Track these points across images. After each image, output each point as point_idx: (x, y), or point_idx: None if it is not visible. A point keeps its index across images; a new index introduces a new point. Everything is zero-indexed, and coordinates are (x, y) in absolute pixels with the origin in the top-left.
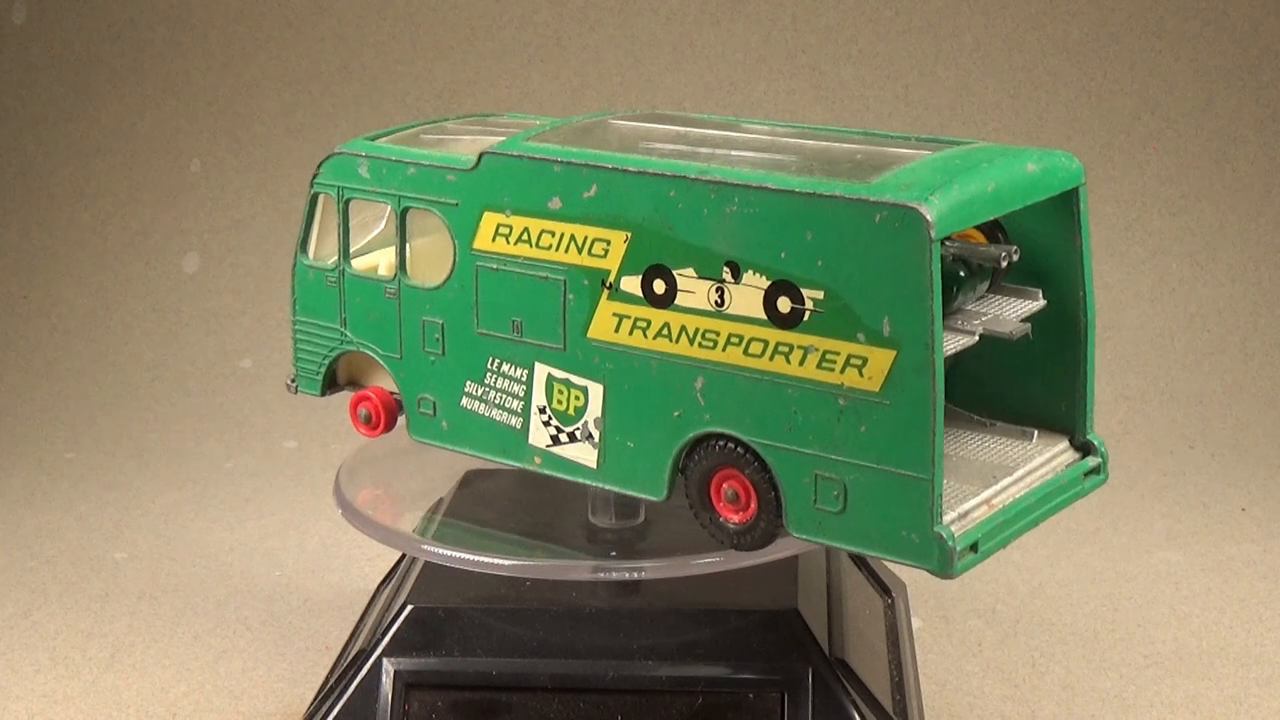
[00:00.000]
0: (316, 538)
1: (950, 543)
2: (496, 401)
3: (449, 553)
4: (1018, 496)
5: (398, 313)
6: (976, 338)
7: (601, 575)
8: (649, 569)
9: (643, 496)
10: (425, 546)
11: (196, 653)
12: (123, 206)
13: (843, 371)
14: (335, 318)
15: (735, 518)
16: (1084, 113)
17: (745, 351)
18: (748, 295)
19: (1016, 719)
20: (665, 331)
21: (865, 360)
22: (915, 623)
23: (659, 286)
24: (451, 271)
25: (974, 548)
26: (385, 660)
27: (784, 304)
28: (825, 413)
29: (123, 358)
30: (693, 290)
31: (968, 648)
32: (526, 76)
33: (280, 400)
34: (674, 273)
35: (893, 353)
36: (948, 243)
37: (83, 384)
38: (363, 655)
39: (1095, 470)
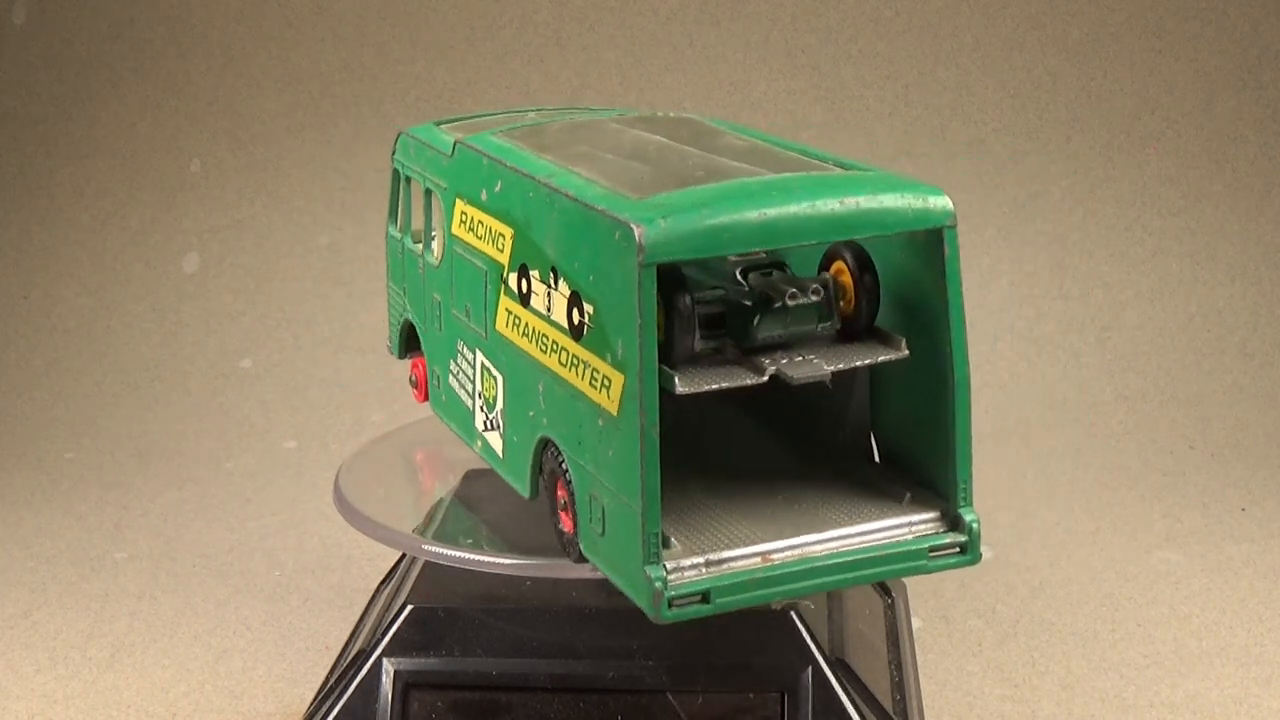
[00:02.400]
0: (316, 538)
1: (658, 585)
2: (461, 382)
3: (449, 553)
4: (812, 555)
5: (423, 286)
6: (765, 378)
7: (601, 574)
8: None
9: (519, 492)
10: (425, 546)
11: (196, 653)
12: (123, 206)
13: (600, 390)
14: (402, 285)
15: (567, 526)
16: (1084, 113)
17: (558, 360)
18: (560, 303)
19: (1016, 719)
20: (526, 331)
21: (610, 381)
22: (915, 623)
23: (523, 285)
24: (443, 252)
25: (704, 597)
26: (385, 660)
27: (575, 315)
28: (593, 431)
29: (123, 358)
30: (538, 292)
31: (968, 648)
32: (526, 76)
33: (280, 400)
34: (530, 273)
35: (623, 377)
36: (777, 273)
37: (83, 384)
38: (363, 655)
39: (956, 549)
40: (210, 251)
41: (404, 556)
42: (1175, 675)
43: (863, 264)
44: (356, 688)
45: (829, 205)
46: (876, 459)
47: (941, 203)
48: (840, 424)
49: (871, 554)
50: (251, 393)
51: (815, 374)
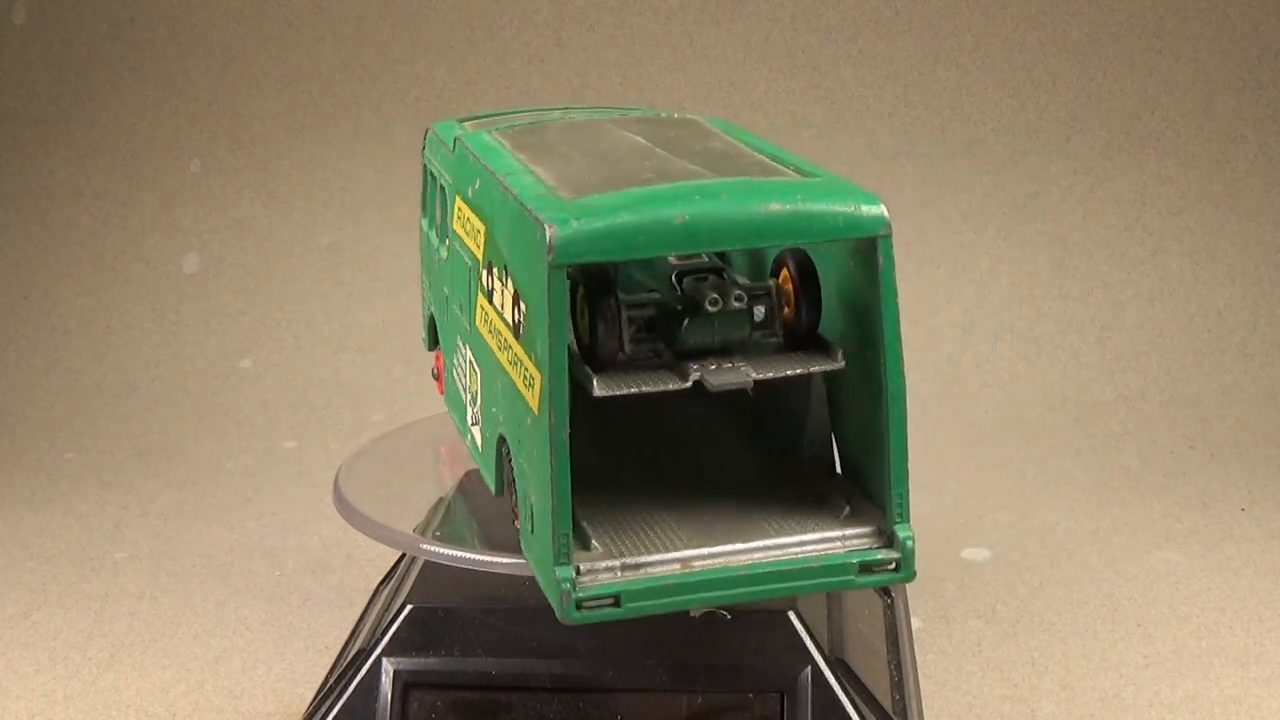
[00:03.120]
0: (316, 538)
1: (565, 585)
2: (458, 377)
3: (449, 552)
4: (733, 564)
5: (437, 279)
6: (688, 384)
7: None
8: None
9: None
10: (425, 546)
11: (196, 653)
12: (123, 206)
13: (528, 389)
14: (428, 278)
15: (518, 524)
16: (1084, 113)
17: (507, 358)
18: (508, 300)
19: (1016, 719)
20: (491, 327)
21: (534, 380)
22: (915, 623)
23: (488, 282)
24: (448, 247)
25: (616, 601)
26: (385, 660)
27: (515, 313)
28: (525, 429)
29: (123, 358)
30: (496, 289)
31: (968, 648)
32: (526, 76)
33: (280, 400)
34: (494, 270)
35: (540, 376)
36: (713, 278)
37: (83, 384)
38: (362, 655)
39: (889, 565)
40: (210, 251)
41: (404, 556)
42: (1175, 675)
43: (804, 272)
44: (356, 688)
45: (753, 210)
46: (839, 470)
47: (875, 211)
48: (801, 434)
49: (795, 566)
50: (251, 393)
51: (736, 381)
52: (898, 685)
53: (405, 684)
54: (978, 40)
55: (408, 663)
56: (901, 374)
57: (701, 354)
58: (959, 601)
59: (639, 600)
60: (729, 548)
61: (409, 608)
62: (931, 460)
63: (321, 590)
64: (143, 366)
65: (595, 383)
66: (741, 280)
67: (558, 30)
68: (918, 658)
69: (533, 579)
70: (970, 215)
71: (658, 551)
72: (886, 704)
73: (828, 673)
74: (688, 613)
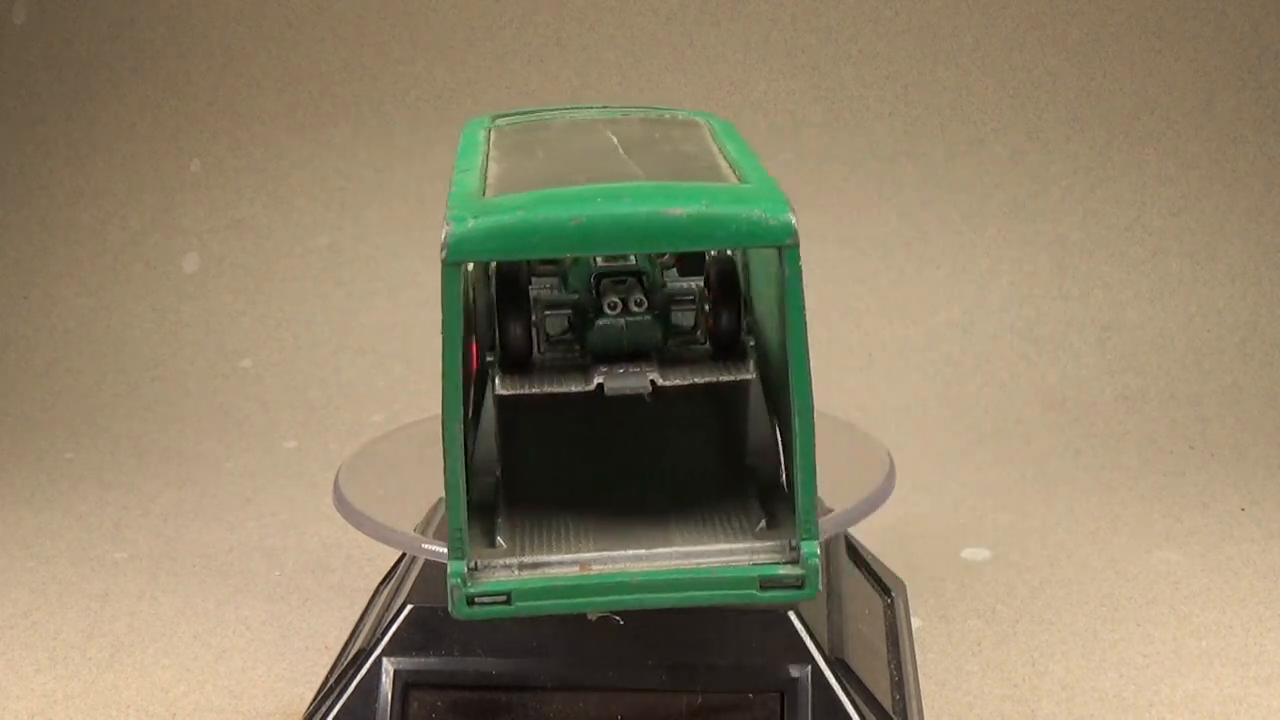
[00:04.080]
0: (316, 538)
1: (455, 580)
2: None
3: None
4: (631, 570)
5: None
6: (590, 387)
7: None
8: None
9: None
10: (425, 546)
11: (196, 653)
12: (123, 206)
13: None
14: None
15: None
16: (1084, 113)
17: None
18: None
19: (1016, 718)
20: None
21: None
22: (915, 623)
23: None
24: None
25: (508, 598)
26: (385, 660)
27: None
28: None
29: (123, 358)
30: None
31: (968, 648)
32: (526, 76)
33: (280, 400)
34: None
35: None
36: (632, 281)
37: (83, 384)
38: (362, 655)
39: (791, 583)
40: (210, 251)
41: (404, 556)
42: (1175, 675)
43: (725, 279)
44: (356, 687)
45: (652, 214)
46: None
47: (781, 220)
48: (745, 443)
49: (693, 577)
50: (251, 393)
51: (633, 387)
52: (898, 685)
53: (405, 684)
54: (978, 40)
55: (408, 663)
56: (807, 388)
57: (621, 357)
58: (959, 601)
59: (531, 600)
60: (629, 553)
61: (409, 608)
62: (931, 460)
63: (321, 590)
64: (143, 366)
65: (499, 381)
66: (675, 286)
67: (558, 30)
68: (918, 658)
69: None
70: (970, 215)
71: (561, 552)
72: (886, 704)
73: (828, 673)
74: (678, 611)
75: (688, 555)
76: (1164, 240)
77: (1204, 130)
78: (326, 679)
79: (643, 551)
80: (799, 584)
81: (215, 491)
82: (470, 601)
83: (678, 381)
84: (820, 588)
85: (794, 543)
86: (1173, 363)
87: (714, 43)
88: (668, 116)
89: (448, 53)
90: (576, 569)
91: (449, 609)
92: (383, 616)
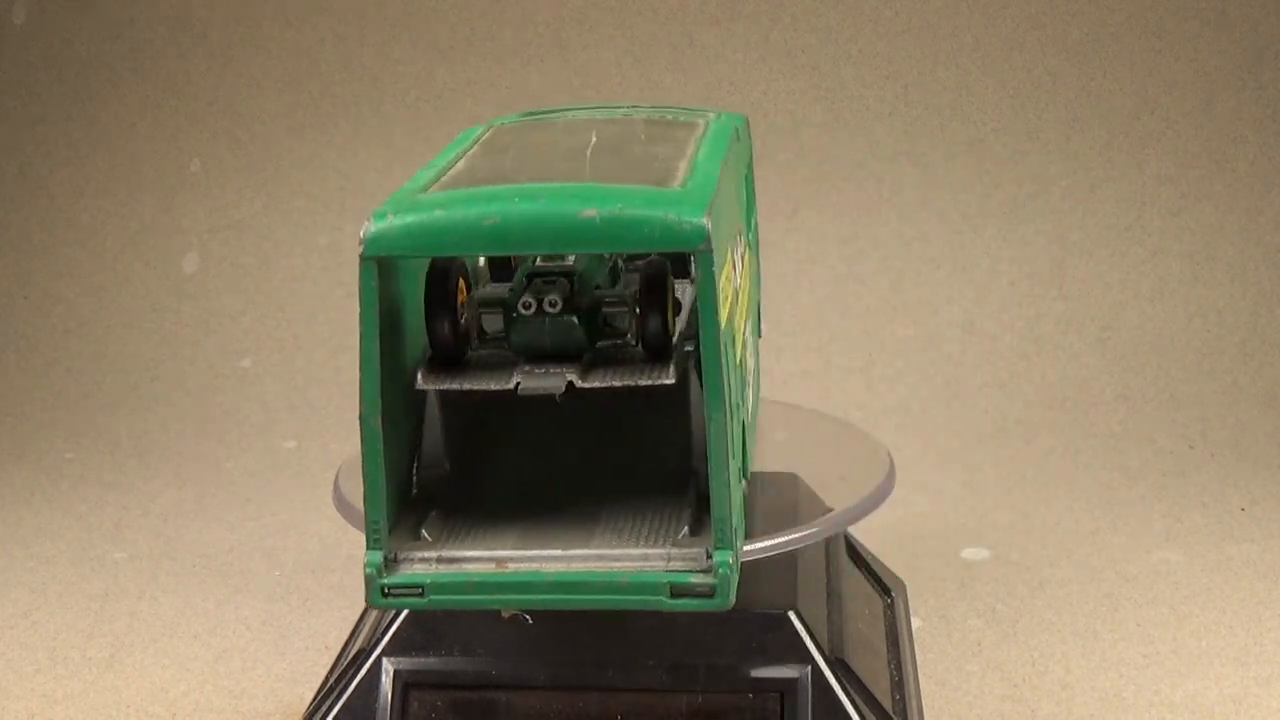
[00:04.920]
0: (316, 538)
1: (369, 571)
2: None
3: None
4: (546, 570)
5: None
6: (509, 386)
7: None
8: None
9: None
10: None
11: (196, 653)
12: (123, 206)
13: None
14: None
15: None
16: (1084, 113)
17: None
18: None
19: (1016, 718)
20: None
21: None
22: (915, 623)
23: None
24: None
25: (422, 591)
26: (385, 660)
27: None
28: None
29: (123, 358)
30: None
31: (968, 648)
32: (526, 76)
33: (280, 400)
34: None
35: None
36: (562, 282)
37: (83, 384)
38: (362, 655)
39: (704, 590)
40: (210, 251)
41: None
42: (1175, 675)
43: (652, 283)
44: (356, 687)
45: (565, 215)
46: None
47: (693, 225)
48: (688, 448)
49: (605, 580)
50: (251, 393)
51: (544, 387)
52: (898, 685)
53: (405, 684)
54: (978, 40)
55: (408, 663)
56: (720, 396)
57: (548, 357)
58: (959, 601)
59: (444, 594)
60: (546, 553)
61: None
62: (931, 460)
63: (321, 590)
64: (143, 366)
65: (419, 376)
66: (610, 290)
67: (558, 30)
68: (918, 658)
69: None
70: (970, 215)
71: (483, 548)
72: (886, 704)
73: (828, 673)
74: (678, 611)
75: (603, 558)
76: (1164, 240)
77: (1204, 130)
78: (326, 679)
79: (559, 552)
80: (710, 593)
81: (215, 491)
82: (385, 593)
83: (596, 384)
84: (732, 599)
85: (710, 551)
86: (1173, 363)
87: (714, 43)
88: (669, 118)
89: (448, 53)
90: (493, 566)
91: (366, 599)
92: (383, 616)
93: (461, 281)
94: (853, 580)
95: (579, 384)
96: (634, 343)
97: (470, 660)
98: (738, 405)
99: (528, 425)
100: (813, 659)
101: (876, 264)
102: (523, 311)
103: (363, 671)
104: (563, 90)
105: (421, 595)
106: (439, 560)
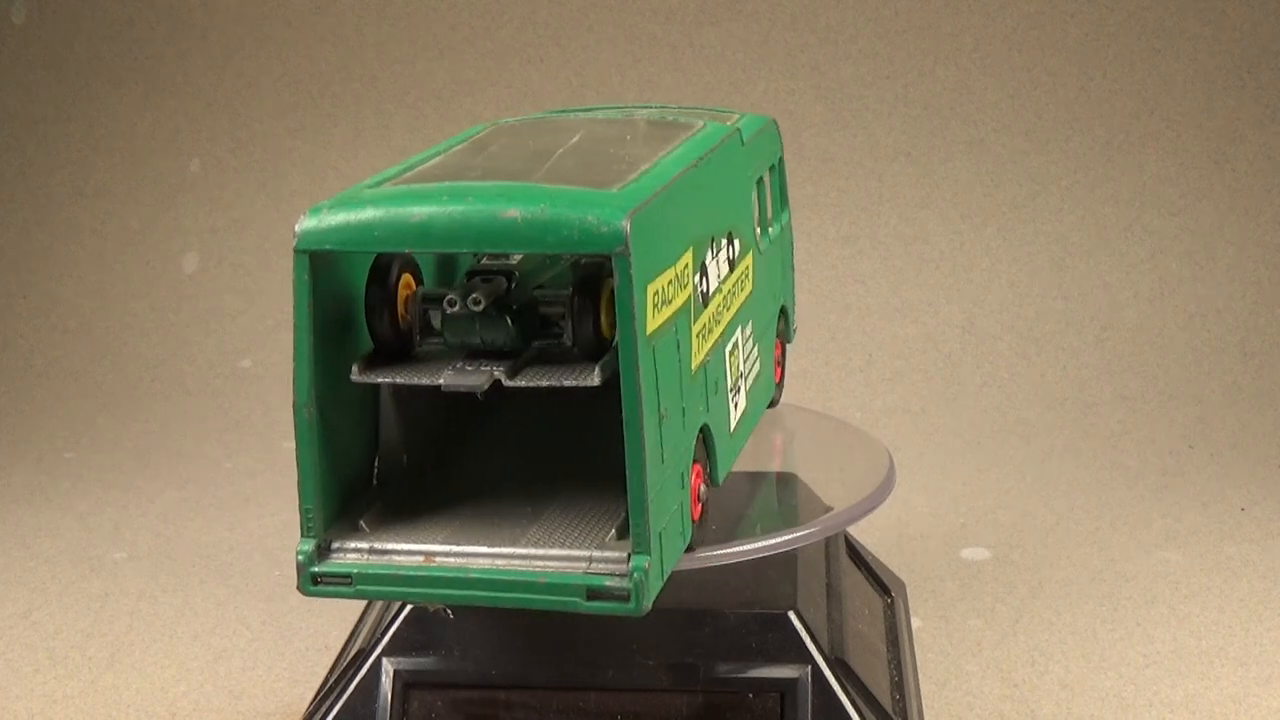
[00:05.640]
0: None
1: (300, 559)
2: None
3: None
4: (471, 566)
5: None
6: (438, 382)
7: None
8: None
9: None
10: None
11: (196, 653)
12: (122, 206)
13: None
14: None
15: None
16: (1084, 113)
17: None
18: None
19: (1016, 718)
20: None
21: None
22: (915, 623)
23: None
24: None
25: (349, 581)
26: (385, 660)
27: None
28: None
29: (123, 358)
30: None
31: (968, 648)
32: (526, 76)
33: (280, 400)
34: None
35: None
36: (499, 280)
37: (83, 384)
38: (362, 655)
39: (619, 595)
40: (210, 251)
41: None
42: (1175, 675)
43: (585, 283)
44: (356, 687)
45: (489, 215)
46: None
47: (612, 228)
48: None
49: (524, 579)
50: (251, 393)
51: (467, 385)
52: (898, 685)
53: (405, 684)
54: (978, 40)
55: (408, 663)
56: (636, 399)
57: (484, 354)
58: (959, 601)
59: (370, 584)
60: (474, 549)
61: (409, 608)
62: (931, 460)
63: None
64: (143, 366)
65: (355, 369)
66: (550, 290)
67: (558, 30)
68: (918, 658)
69: None
70: (970, 215)
71: (412, 542)
72: (886, 704)
73: (828, 673)
74: (678, 611)
75: (527, 558)
76: (1164, 240)
77: (1204, 130)
78: (326, 679)
79: (486, 549)
80: (625, 597)
81: (215, 491)
82: (315, 580)
83: (522, 383)
84: (649, 605)
85: (629, 554)
86: (1173, 363)
87: (714, 43)
88: (668, 119)
89: (448, 53)
90: (421, 559)
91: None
92: (383, 616)
93: (411, 277)
94: (853, 580)
95: (506, 382)
96: (569, 343)
97: (470, 660)
98: (684, 409)
99: (503, 422)
100: (813, 659)
101: (876, 264)
102: (447, 309)
103: (363, 671)
104: (563, 90)
105: (349, 585)
106: (370, 552)
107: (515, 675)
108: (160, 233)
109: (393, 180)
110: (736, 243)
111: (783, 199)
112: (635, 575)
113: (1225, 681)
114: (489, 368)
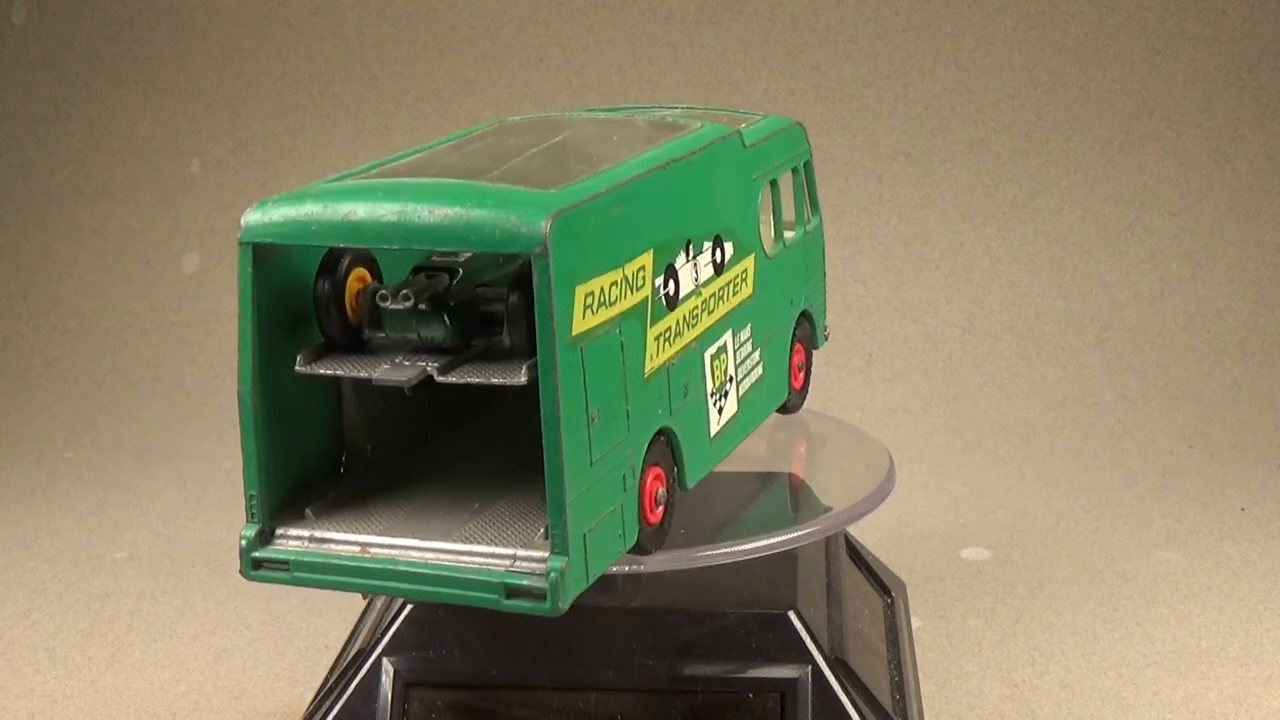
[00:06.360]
0: None
1: (242, 543)
2: None
3: None
4: (403, 559)
5: None
6: (372, 376)
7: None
8: (649, 563)
9: None
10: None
11: (196, 653)
12: (123, 206)
13: None
14: None
15: None
16: (1084, 113)
17: None
18: None
19: (1016, 718)
20: None
21: None
22: (915, 623)
23: None
24: None
25: (287, 566)
26: (385, 659)
27: None
28: None
29: (123, 358)
30: None
31: (968, 648)
32: (526, 76)
33: None
34: None
35: None
36: (442, 276)
37: (83, 384)
38: (363, 655)
39: (535, 594)
40: (210, 251)
41: None
42: (1175, 675)
43: (519, 282)
44: (356, 687)
45: (417, 213)
46: None
47: (531, 229)
48: None
49: (448, 574)
50: None
51: (395, 380)
52: (898, 685)
53: (405, 684)
54: (978, 40)
55: (408, 662)
56: (554, 400)
57: (423, 349)
58: (959, 601)
59: (306, 572)
60: (405, 542)
61: (409, 607)
62: (931, 460)
63: (321, 590)
64: (143, 366)
65: (298, 360)
66: (492, 288)
67: (558, 30)
68: (918, 658)
69: None
70: (970, 215)
71: (351, 532)
72: (886, 704)
73: (828, 673)
74: (678, 611)
75: (456, 552)
76: (1164, 240)
77: (1204, 130)
78: (326, 679)
79: (418, 543)
80: (541, 597)
81: (215, 491)
82: (255, 565)
83: (453, 380)
84: (565, 605)
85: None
86: (1173, 363)
87: (714, 43)
88: (668, 120)
89: (448, 53)
90: (357, 550)
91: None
92: (383, 616)
93: (367, 271)
94: (853, 580)
95: (437, 378)
96: (506, 340)
97: (470, 660)
98: (628, 412)
99: (481, 417)
100: (813, 659)
101: (876, 264)
102: (379, 303)
103: (363, 671)
104: (563, 90)
105: (287, 571)
106: (310, 539)
107: (515, 675)
108: (160, 233)
109: (363, 174)
110: (728, 246)
111: (812, 202)
112: (551, 576)
113: (1225, 681)
114: (424, 363)
